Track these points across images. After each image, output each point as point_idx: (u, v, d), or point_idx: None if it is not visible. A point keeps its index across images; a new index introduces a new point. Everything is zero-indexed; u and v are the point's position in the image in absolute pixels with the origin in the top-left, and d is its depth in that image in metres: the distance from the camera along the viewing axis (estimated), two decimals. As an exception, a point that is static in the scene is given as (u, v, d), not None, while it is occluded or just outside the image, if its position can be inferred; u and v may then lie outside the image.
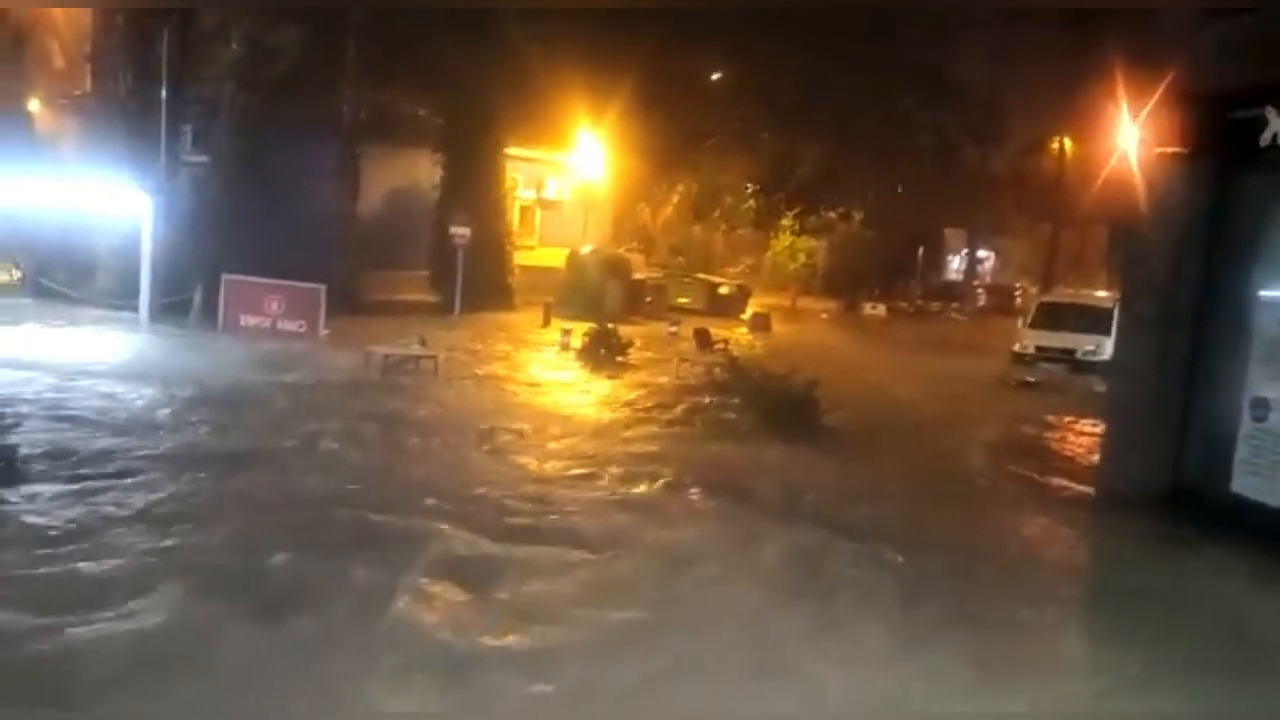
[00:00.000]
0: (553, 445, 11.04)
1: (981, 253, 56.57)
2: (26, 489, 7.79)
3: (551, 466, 10.03)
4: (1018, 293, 43.54)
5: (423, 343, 15.60)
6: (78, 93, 24.34)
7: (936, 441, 13.20)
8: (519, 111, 25.13)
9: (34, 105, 24.07)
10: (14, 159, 18.46)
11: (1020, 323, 22.22)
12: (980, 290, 48.39)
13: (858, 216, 38.40)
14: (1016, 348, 20.50)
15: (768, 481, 9.80)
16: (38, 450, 8.68)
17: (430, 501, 8.26)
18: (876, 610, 6.63)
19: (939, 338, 29.76)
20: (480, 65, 23.37)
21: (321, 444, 10.07)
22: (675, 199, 35.01)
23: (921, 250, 47.55)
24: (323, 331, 17.35)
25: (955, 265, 57.40)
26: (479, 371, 15.82)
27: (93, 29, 21.23)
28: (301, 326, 17.37)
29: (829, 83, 31.11)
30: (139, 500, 7.81)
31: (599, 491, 9.23)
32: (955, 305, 42.36)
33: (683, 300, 29.03)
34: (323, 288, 17.50)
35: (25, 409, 10.11)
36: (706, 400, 14.23)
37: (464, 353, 17.34)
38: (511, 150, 26.55)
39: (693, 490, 9.35)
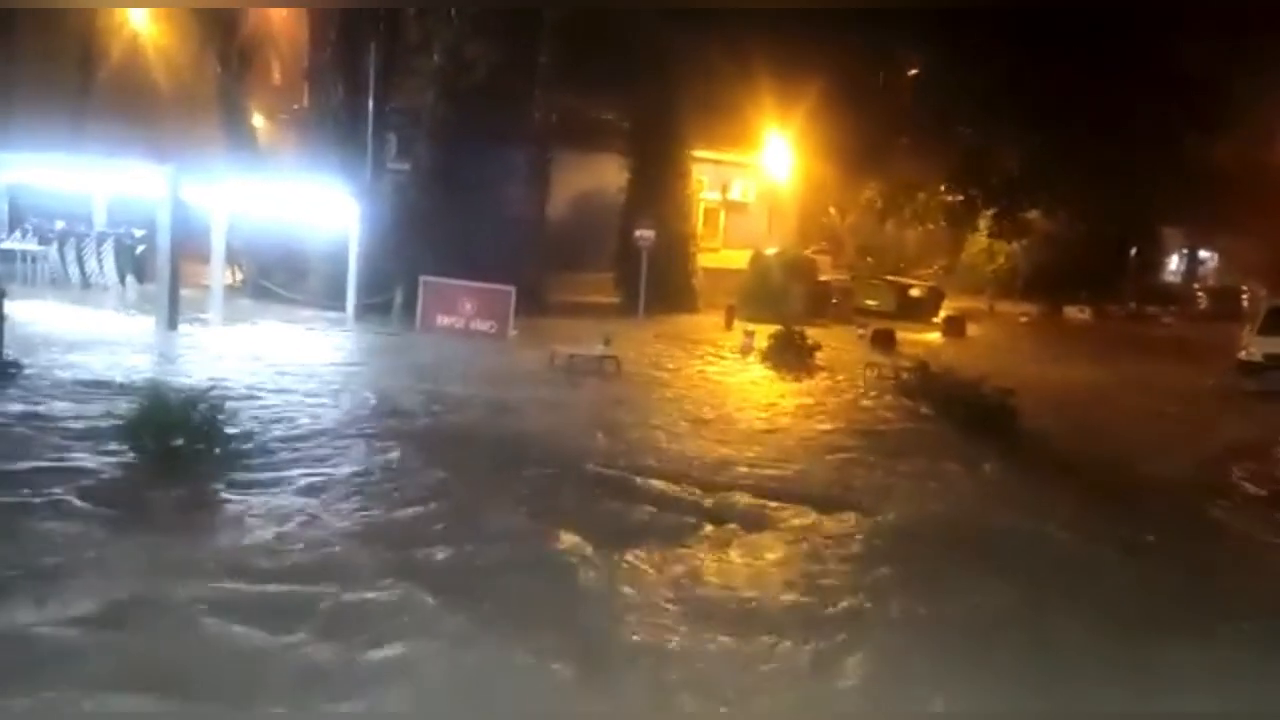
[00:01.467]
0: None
1: (1203, 252, 52.47)
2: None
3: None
4: (1244, 295, 40.06)
5: (607, 343, 15.82)
6: (296, 107, 26.10)
7: (1149, 464, 12.11)
8: (705, 113, 25.17)
9: (257, 119, 25.95)
10: (239, 170, 19.98)
11: (1247, 328, 20.44)
12: (1201, 293, 44.83)
13: (1061, 215, 36.26)
14: (1243, 355, 18.91)
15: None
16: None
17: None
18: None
19: (1153, 344, 27.75)
20: (667, 68, 23.55)
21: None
22: (864, 199, 34.13)
23: (1135, 250, 44.46)
24: (512, 332, 17.88)
25: (1173, 266, 53.48)
26: (660, 373, 15.91)
27: (309, 46, 22.70)
28: (492, 327, 17.95)
29: (1033, 72, 29.48)
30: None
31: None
32: (1173, 309, 39.39)
33: (871, 303, 28.24)
34: (512, 289, 18.02)
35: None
36: (893, 408, 13.83)
37: (647, 353, 17.49)
38: (697, 152, 26.62)
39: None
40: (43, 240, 19.25)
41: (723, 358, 18.34)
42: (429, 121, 20.92)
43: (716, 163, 29.18)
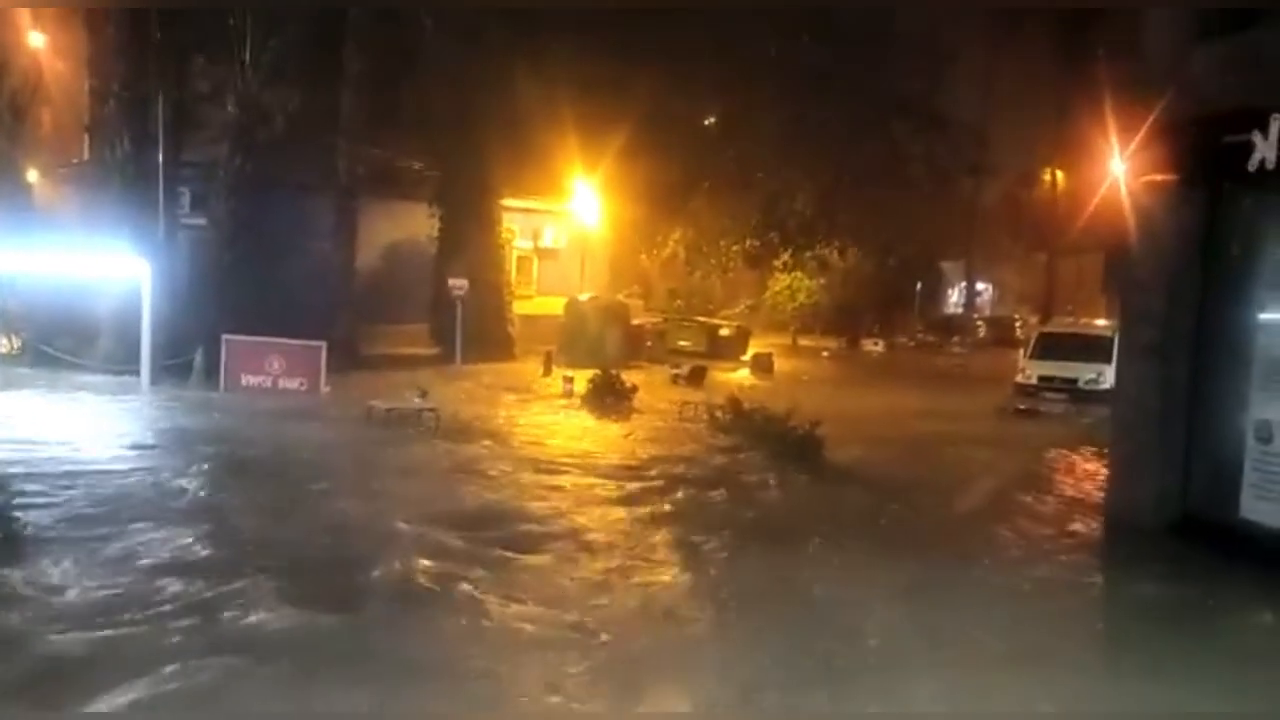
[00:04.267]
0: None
1: (979, 285, 56.69)
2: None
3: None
4: (1018, 324, 43.55)
5: (423, 395, 15.56)
6: (75, 161, 24.57)
7: (943, 478, 13.11)
8: (514, 161, 25.34)
9: (32, 175, 24.26)
10: (13, 228, 18.57)
11: (1022, 354, 22.24)
12: (980, 322, 48.40)
13: (852, 252, 38.46)
14: (1019, 378, 20.56)
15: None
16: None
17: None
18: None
19: (940, 371, 29.80)
20: (472, 116, 23.59)
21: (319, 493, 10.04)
22: (672, 243, 35.13)
23: (920, 284, 47.63)
24: (324, 388, 17.34)
25: (954, 298, 57.49)
26: (481, 423, 15.76)
27: (89, 96, 21.45)
28: (303, 384, 17.36)
29: (817, 117, 31.28)
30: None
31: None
32: (955, 339, 42.33)
33: (683, 343, 29.05)
34: (323, 345, 17.53)
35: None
36: (710, 443, 14.27)
37: (466, 404, 17.30)
38: (507, 201, 26.74)
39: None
40: None
41: (542, 403, 18.37)
42: (226, 174, 20.10)
43: (527, 211, 29.37)
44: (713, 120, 33.50)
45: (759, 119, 31.27)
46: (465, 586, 7.62)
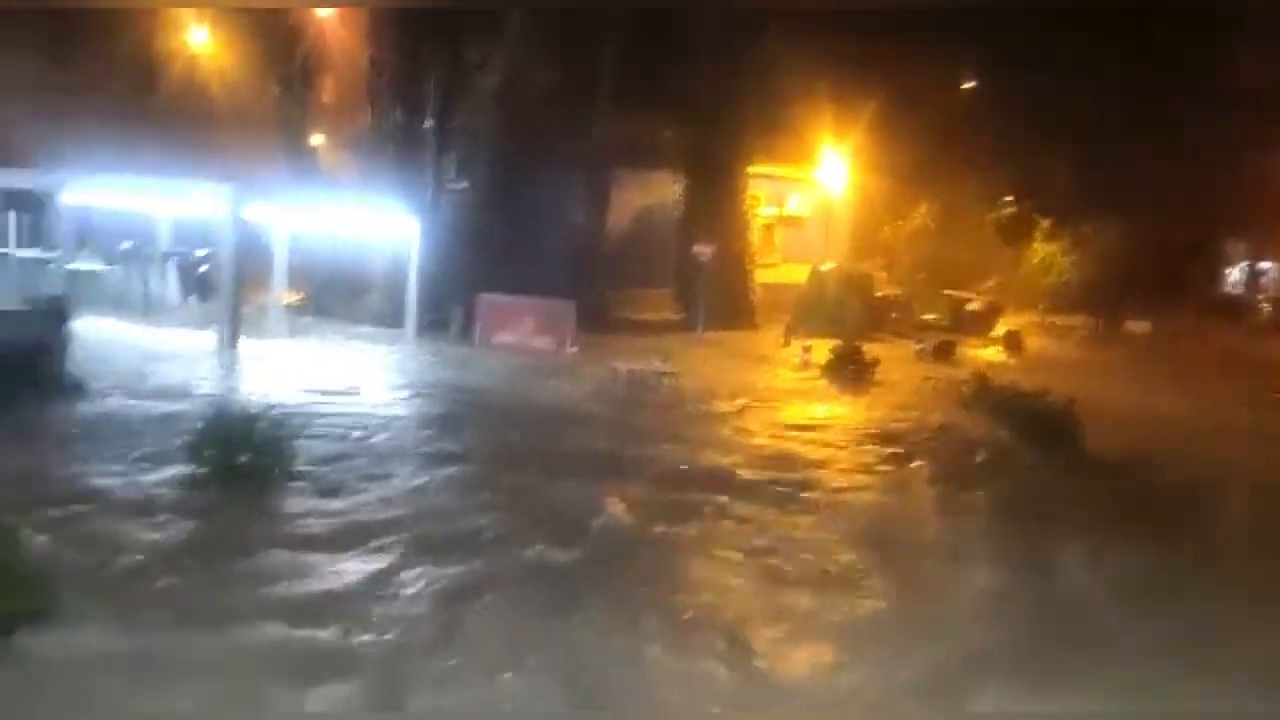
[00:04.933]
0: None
1: (1264, 264, 50.99)
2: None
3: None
4: (1311, 306, 38.81)
5: (665, 360, 15.69)
6: (355, 127, 26.34)
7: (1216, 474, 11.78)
8: (763, 129, 25.00)
9: (316, 139, 26.25)
10: (300, 190, 20.19)
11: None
12: (1265, 304, 43.50)
13: (1120, 227, 35.45)
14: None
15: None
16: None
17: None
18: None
19: (1215, 356, 26.94)
20: (725, 85, 23.41)
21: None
22: (920, 214, 33.64)
23: (1196, 261, 43.30)
24: (571, 348, 17.81)
25: (1234, 278, 52.04)
26: (720, 388, 15.70)
27: (369, 68, 22.90)
28: (551, 343, 17.91)
29: (1091, 82, 28.89)
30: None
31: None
32: (1235, 321, 38.21)
33: (929, 317, 27.76)
34: (572, 305, 17.99)
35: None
36: (958, 419, 13.56)
37: (705, 369, 17.32)
38: (754, 168, 26.45)
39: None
40: (109, 261, 19.56)
41: (781, 371, 18.13)
42: (488, 141, 21.01)
43: (773, 178, 28.98)
44: (970, 85, 31.69)
45: (1020, 82, 29.24)
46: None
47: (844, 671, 5.92)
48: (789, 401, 15.19)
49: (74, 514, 7.44)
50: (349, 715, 5.14)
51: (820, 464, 10.94)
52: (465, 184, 21.78)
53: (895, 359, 19.70)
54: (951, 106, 30.58)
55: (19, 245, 19.15)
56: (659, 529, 8.14)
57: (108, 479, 8.40)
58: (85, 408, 10.89)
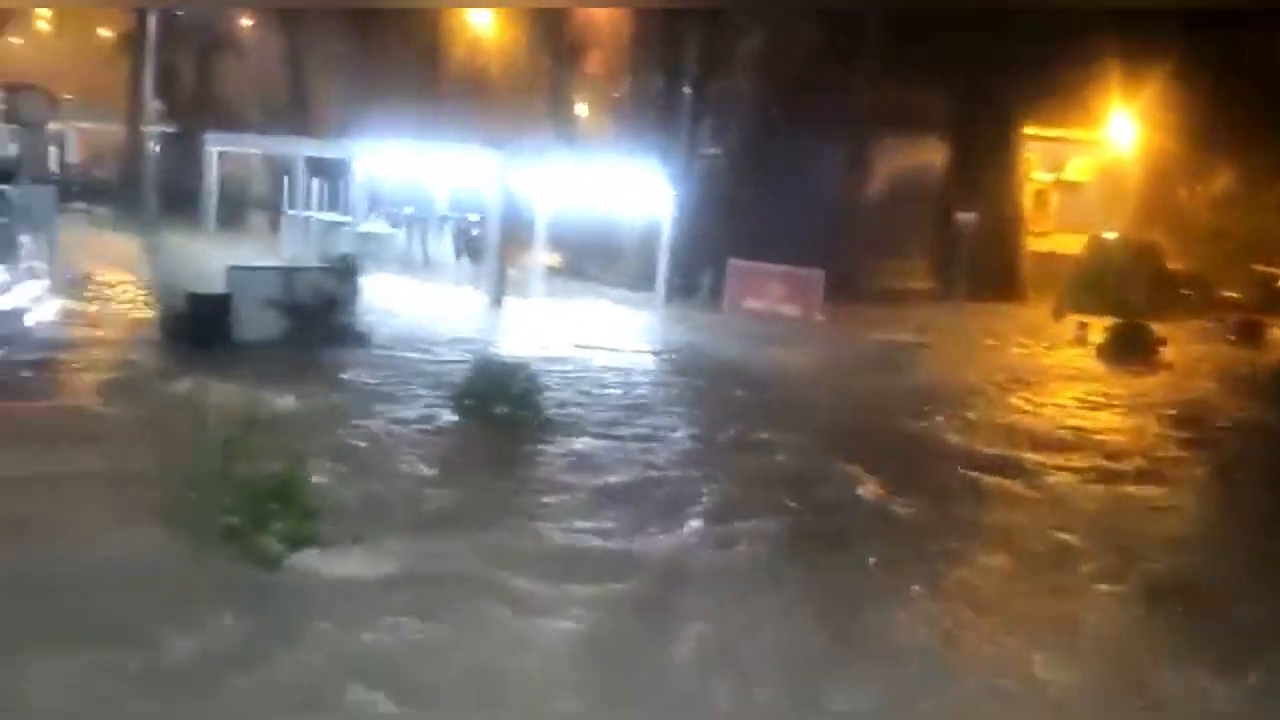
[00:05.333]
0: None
1: None
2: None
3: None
4: None
5: (919, 330, 15.14)
6: (616, 95, 27.04)
7: None
8: (1039, 88, 23.36)
9: (581, 108, 27.17)
10: (563, 156, 20.99)
11: None
12: None
13: None
14: None
15: None
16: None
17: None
18: None
19: None
20: (998, 42, 22.06)
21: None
22: (1226, 178, 30.35)
23: None
24: (819, 316, 17.57)
25: None
26: (981, 362, 15.00)
27: (630, 38, 23.42)
28: (799, 310, 17.73)
29: None
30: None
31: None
32: None
33: (1230, 294, 25.08)
34: (821, 273, 17.72)
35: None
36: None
37: (963, 342, 16.57)
38: (1028, 129, 24.86)
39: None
40: (394, 224, 21.22)
41: (1051, 348, 17.03)
42: (745, 106, 20.98)
43: (1049, 140, 27.09)
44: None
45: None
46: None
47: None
48: (1057, 381, 14.28)
49: (377, 450, 8.24)
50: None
51: (1094, 450, 10.20)
52: (719, 150, 21.85)
53: (1185, 339, 18.03)
54: (1266, 59, 27.33)
55: (319, 209, 21.14)
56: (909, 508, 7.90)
57: (384, 419, 9.20)
58: (369, 354, 11.96)
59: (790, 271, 17.93)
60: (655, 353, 14.14)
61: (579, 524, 6.94)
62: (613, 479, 8.02)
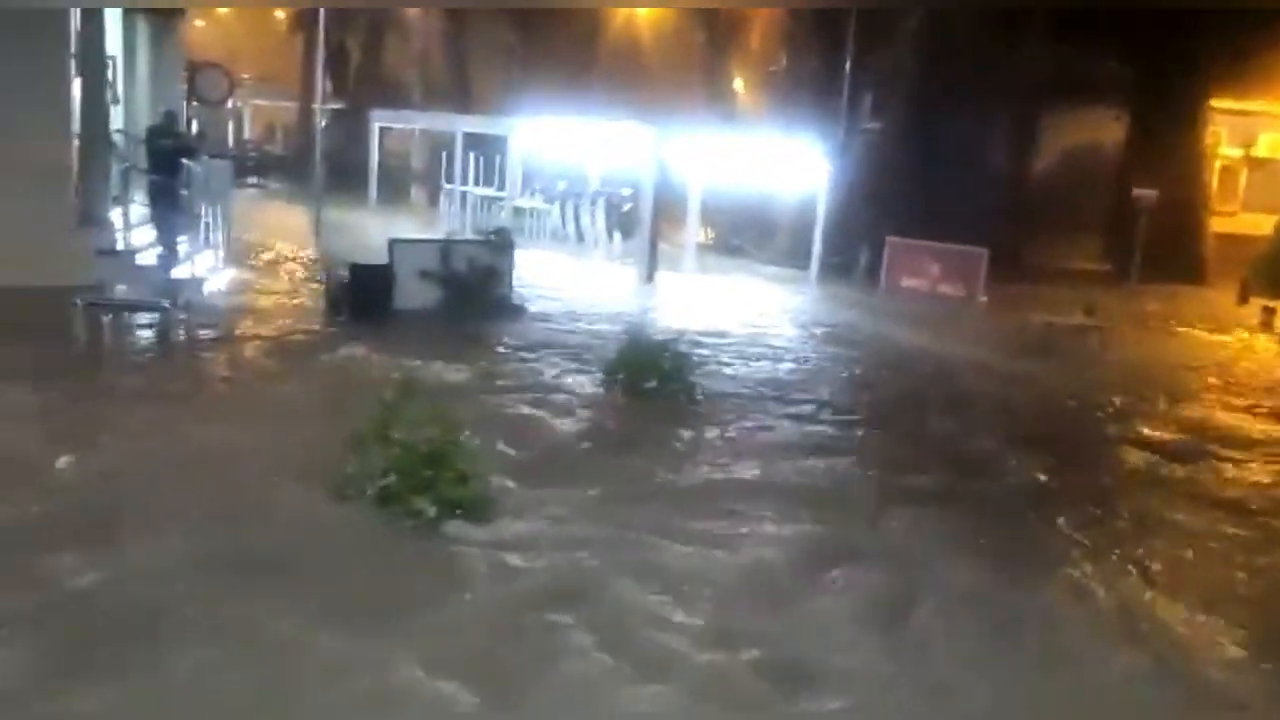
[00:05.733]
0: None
1: None
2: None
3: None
4: None
5: (1089, 312, 14.28)
6: (773, 69, 26.58)
7: None
8: (1231, 57, 21.68)
9: (737, 83, 26.83)
10: (717, 131, 20.77)
11: None
12: None
13: None
14: None
15: None
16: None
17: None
18: None
19: None
20: (1183, 8, 20.55)
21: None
22: None
23: None
24: (981, 297, 16.85)
25: None
26: (1152, 345, 14.07)
27: (787, 11, 22.91)
28: (961, 290, 17.04)
29: None
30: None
31: None
32: None
33: None
34: (984, 252, 16.96)
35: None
36: None
37: (1136, 324, 15.61)
38: (1216, 101, 23.14)
39: None
40: (548, 199, 21.44)
41: (1232, 333, 15.87)
42: (906, 79, 20.23)
43: (1239, 113, 25.18)
44: None
45: None
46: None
47: None
48: (1241, 368, 13.26)
49: (529, 419, 8.33)
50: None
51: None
52: (878, 124, 21.16)
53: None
54: None
55: (476, 184, 21.57)
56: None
57: (537, 390, 9.29)
58: (523, 326, 12.12)
59: (952, 249, 17.22)
60: (808, 331, 13.80)
61: (731, 506, 6.77)
62: (765, 458, 7.81)
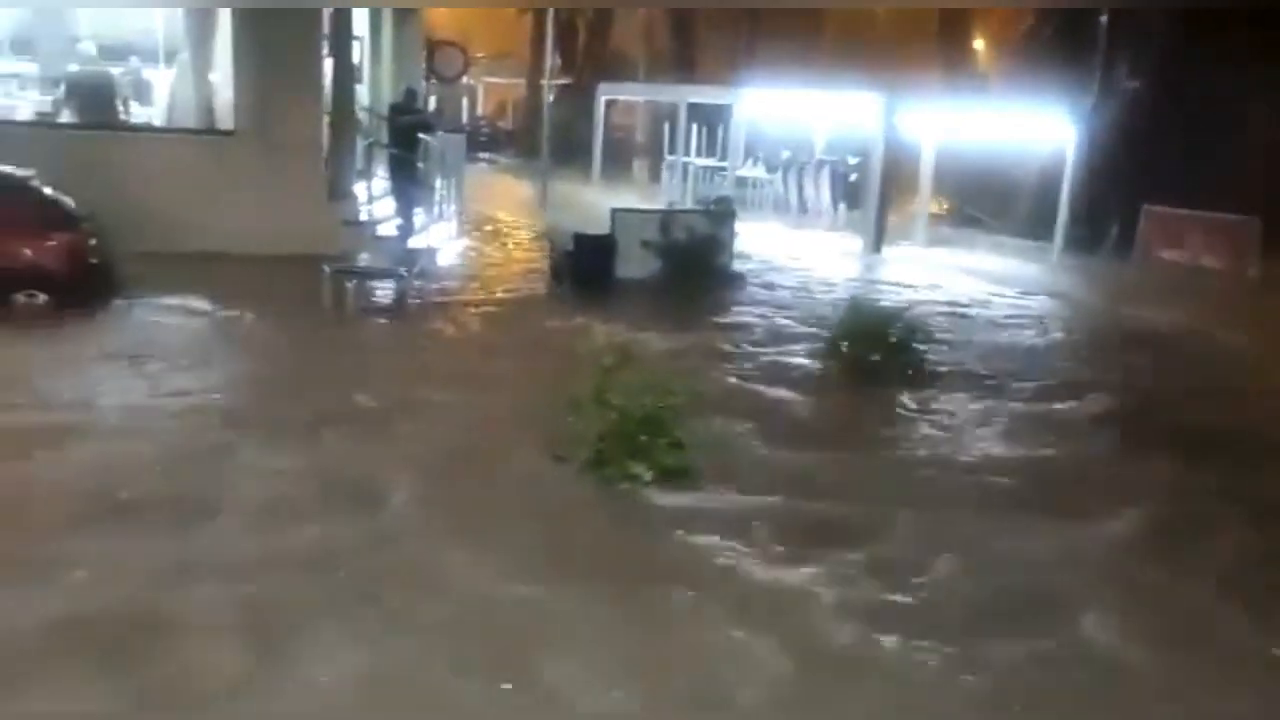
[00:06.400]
0: None
1: None
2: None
3: None
4: None
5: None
6: (1023, 26, 24.84)
7: None
8: None
9: (978, 43, 25.28)
10: (953, 95, 19.66)
11: None
12: None
13: None
14: None
15: None
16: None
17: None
18: None
19: None
20: None
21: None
22: None
23: None
24: (1251, 271, 15.17)
25: None
26: None
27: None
28: (1227, 262, 15.41)
29: None
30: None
31: None
32: None
33: None
34: (1256, 221, 15.25)
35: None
36: None
37: None
38: None
39: None
40: (770, 169, 21.06)
41: None
42: (1168, 34, 18.35)
43: None
44: None
45: None
46: None
47: None
48: None
49: (739, 385, 8.19)
50: None
51: None
52: (1136, 84, 19.31)
53: None
54: None
55: (698, 155, 21.45)
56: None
57: (758, 360, 9.08)
58: (743, 296, 11.93)
59: (1220, 218, 15.60)
60: (1050, 304, 12.84)
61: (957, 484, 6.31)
62: (996, 439, 7.26)
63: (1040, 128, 17.57)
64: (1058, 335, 11.14)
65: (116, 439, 6.23)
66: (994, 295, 13.03)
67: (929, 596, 4.81)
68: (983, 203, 19.61)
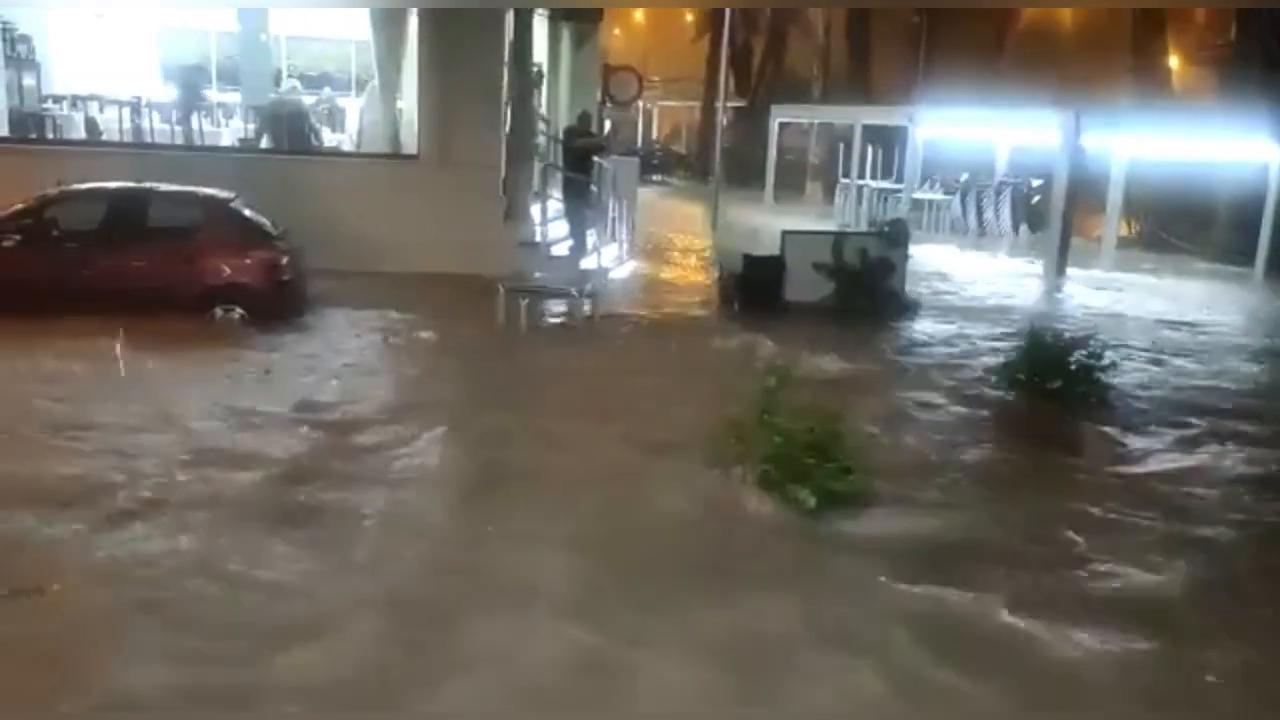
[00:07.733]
0: None
1: None
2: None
3: None
4: None
5: None
6: (1220, 43, 23.41)
7: None
8: None
9: (1173, 60, 23.92)
10: (1146, 114, 18.59)
11: None
12: None
13: None
14: None
15: None
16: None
17: None
18: None
19: None
20: None
21: None
22: None
23: None
24: None
25: None
26: None
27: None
28: None
29: None
30: None
31: None
32: None
33: None
34: None
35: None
36: None
37: None
38: None
39: None
40: (948, 191, 20.50)
41: None
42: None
43: None
44: None
45: None
46: None
47: None
48: None
49: (908, 413, 8.05)
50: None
51: None
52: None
53: None
54: None
55: (873, 177, 21.08)
56: None
57: (929, 387, 8.86)
58: (917, 320, 11.68)
59: None
60: (1249, 334, 11.97)
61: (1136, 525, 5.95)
62: (1181, 476, 6.84)
63: (1240, 147, 16.41)
64: (1257, 367, 10.37)
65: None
66: (1186, 322, 12.27)
67: None
68: (1175, 225, 18.49)
